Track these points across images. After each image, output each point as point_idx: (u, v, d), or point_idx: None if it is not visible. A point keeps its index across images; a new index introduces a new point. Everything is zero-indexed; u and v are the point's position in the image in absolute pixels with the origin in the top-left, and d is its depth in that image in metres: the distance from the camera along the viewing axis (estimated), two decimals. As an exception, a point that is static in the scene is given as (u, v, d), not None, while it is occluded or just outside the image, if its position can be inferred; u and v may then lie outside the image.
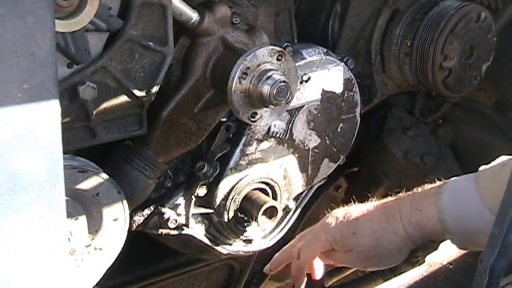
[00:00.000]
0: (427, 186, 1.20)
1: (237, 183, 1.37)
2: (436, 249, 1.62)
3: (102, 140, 1.15)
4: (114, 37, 1.08)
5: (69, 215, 1.12)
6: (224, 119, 1.33)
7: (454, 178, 1.16)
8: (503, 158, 1.14)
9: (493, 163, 1.14)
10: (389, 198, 1.23)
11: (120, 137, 1.18)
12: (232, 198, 1.37)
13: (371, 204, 1.23)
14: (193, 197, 1.33)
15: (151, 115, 1.20)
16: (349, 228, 1.20)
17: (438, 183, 1.19)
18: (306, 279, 1.30)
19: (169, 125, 1.24)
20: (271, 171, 1.41)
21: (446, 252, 1.54)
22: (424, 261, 1.64)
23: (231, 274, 1.74)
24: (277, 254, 1.35)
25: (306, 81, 1.37)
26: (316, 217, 1.32)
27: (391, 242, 1.17)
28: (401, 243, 1.17)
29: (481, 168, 1.14)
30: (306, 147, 1.44)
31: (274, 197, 1.43)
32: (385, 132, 1.73)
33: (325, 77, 1.40)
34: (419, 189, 1.21)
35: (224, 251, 1.44)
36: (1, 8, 0.72)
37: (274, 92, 1.16)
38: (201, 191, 1.34)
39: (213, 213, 1.38)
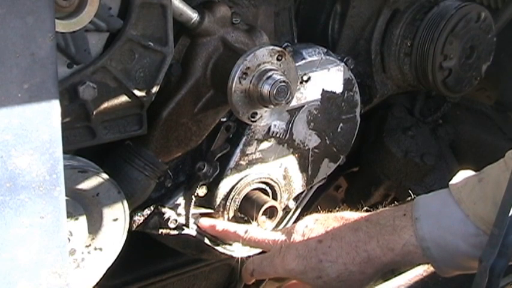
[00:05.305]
0: (385, 216, 1.13)
1: (237, 183, 1.37)
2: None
3: (102, 140, 1.15)
4: (114, 37, 1.08)
5: (69, 215, 1.12)
6: (224, 119, 1.32)
7: (417, 203, 1.11)
8: (464, 174, 1.11)
9: (460, 180, 1.09)
10: (347, 229, 1.15)
11: (120, 137, 1.18)
12: (232, 198, 1.37)
13: (329, 237, 1.15)
14: (193, 197, 1.33)
15: (151, 115, 1.20)
16: (313, 271, 1.15)
17: (395, 210, 1.13)
18: None
19: (169, 125, 1.24)
20: (271, 171, 1.41)
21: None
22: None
23: (231, 274, 1.73)
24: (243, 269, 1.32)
25: (306, 81, 1.37)
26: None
27: (358, 281, 1.14)
28: (371, 278, 1.14)
29: (453, 188, 1.08)
30: (306, 147, 1.44)
31: (274, 197, 1.43)
32: (385, 132, 1.73)
33: (325, 77, 1.40)
34: (376, 218, 1.14)
35: (224, 251, 1.44)
36: (1, 8, 0.72)
37: (274, 92, 1.16)
38: (201, 191, 1.34)
39: (213, 213, 1.38)
